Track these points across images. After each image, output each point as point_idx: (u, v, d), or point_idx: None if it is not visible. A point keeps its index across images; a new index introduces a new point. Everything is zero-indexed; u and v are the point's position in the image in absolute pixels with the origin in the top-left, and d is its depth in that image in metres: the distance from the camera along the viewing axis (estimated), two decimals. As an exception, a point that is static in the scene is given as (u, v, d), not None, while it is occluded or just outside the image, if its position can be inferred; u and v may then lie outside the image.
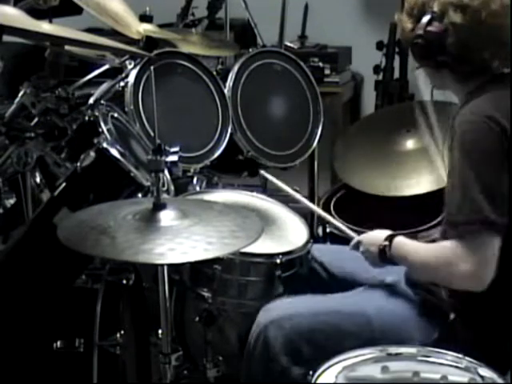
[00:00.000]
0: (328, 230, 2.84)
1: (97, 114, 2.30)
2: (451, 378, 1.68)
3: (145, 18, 2.67)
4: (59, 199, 2.17)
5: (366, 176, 2.98)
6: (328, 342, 2.08)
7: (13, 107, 2.30)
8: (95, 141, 2.18)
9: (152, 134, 2.60)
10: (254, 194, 2.74)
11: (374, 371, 1.71)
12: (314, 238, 2.55)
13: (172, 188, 2.42)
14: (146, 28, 2.62)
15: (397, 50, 3.93)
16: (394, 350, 1.78)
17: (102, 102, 2.43)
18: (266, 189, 3.66)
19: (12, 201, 2.40)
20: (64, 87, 2.36)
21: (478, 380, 1.68)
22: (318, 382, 1.68)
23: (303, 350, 2.09)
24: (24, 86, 2.30)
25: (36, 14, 2.14)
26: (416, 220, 2.71)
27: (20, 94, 2.30)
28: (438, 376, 1.69)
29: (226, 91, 2.94)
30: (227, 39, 3.72)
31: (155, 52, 2.73)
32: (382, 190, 2.88)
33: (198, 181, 2.88)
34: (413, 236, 2.63)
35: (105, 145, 2.17)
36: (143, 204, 1.90)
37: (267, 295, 2.31)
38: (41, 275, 2.15)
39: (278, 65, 3.13)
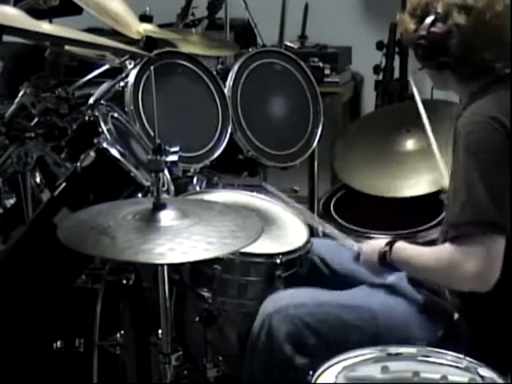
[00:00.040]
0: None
1: (97, 114, 2.30)
2: (451, 378, 1.68)
3: (145, 18, 2.67)
4: (59, 199, 2.17)
5: (366, 176, 2.99)
6: (332, 333, 2.09)
7: (13, 107, 2.30)
8: (95, 141, 2.18)
9: (152, 134, 2.60)
10: (254, 193, 2.74)
11: (374, 371, 1.71)
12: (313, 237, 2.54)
13: (172, 188, 2.42)
14: (146, 28, 2.62)
15: (397, 50, 3.93)
16: (394, 350, 1.78)
17: (102, 102, 2.42)
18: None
19: (12, 201, 2.40)
20: (64, 87, 2.36)
21: (478, 380, 1.68)
22: (317, 382, 1.68)
23: (307, 339, 2.10)
24: (24, 86, 2.30)
25: (36, 13, 2.14)
26: (416, 220, 2.71)
27: (20, 94, 2.30)
28: (437, 376, 1.69)
29: (226, 91, 2.94)
30: (227, 39, 3.72)
31: (155, 52, 2.73)
32: (382, 190, 2.88)
33: (197, 181, 2.88)
34: (412, 236, 2.64)
35: (105, 145, 2.17)
36: (143, 204, 1.90)
37: (267, 295, 2.31)
38: (41, 275, 2.15)
39: (278, 65, 3.13)
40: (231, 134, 2.89)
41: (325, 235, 2.52)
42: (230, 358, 2.38)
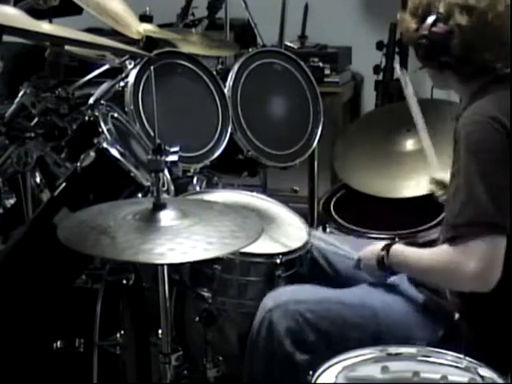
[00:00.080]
0: (328, 230, 2.84)
1: (97, 114, 2.30)
2: (451, 378, 1.68)
3: (145, 18, 2.67)
4: (59, 199, 2.17)
5: (366, 176, 2.99)
6: (332, 330, 2.09)
7: (13, 107, 2.30)
8: (95, 141, 2.18)
9: (152, 134, 2.60)
10: (254, 193, 2.74)
11: (374, 371, 1.71)
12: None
13: (172, 188, 2.42)
14: (146, 28, 2.62)
15: (397, 50, 3.93)
16: (394, 350, 1.78)
17: (102, 102, 2.42)
18: (266, 189, 3.67)
19: (12, 201, 2.40)
20: (64, 87, 2.36)
21: (478, 380, 1.68)
22: (318, 382, 1.68)
23: (307, 336, 2.10)
24: (24, 86, 2.30)
25: (36, 13, 2.14)
26: (416, 220, 2.71)
27: (20, 94, 2.30)
28: (437, 376, 1.69)
29: (226, 91, 2.94)
30: (227, 39, 3.73)
31: (155, 52, 2.73)
32: (382, 191, 2.88)
33: (197, 181, 2.88)
34: (412, 236, 2.64)
35: (105, 145, 2.17)
36: (143, 204, 1.90)
37: (267, 295, 2.31)
38: (41, 275, 2.15)
39: (278, 65, 3.13)
40: (231, 134, 2.89)
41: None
42: (229, 357, 2.38)
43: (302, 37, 4.11)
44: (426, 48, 2.05)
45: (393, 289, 2.18)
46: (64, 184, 2.18)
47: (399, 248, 2.13)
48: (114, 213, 1.89)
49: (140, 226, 1.83)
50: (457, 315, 2.07)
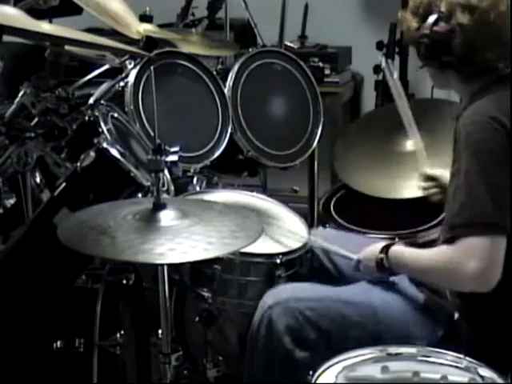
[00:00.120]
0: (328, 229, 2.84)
1: (97, 114, 2.30)
2: (451, 378, 1.68)
3: (145, 18, 2.67)
4: (59, 199, 2.17)
5: (366, 176, 2.98)
6: (332, 328, 2.09)
7: (13, 107, 2.30)
8: (95, 141, 2.18)
9: (152, 134, 2.60)
10: (254, 193, 2.74)
11: (373, 371, 1.71)
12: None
13: (172, 188, 2.42)
14: (146, 28, 2.62)
15: (397, 49, 3.93)
16: (394, 350, 1.78)
17: (102, 102, 2.43)
18: (266, 189, 3.67)
19: (12, 201, 2.40)
20: (64, 87, 2.36)
21: (478, 380, 1.68)
22: (318, 382, 1.68)
23: (307, 334, 2.10)
24: (24, 86, 2.30)
25: (36, 13, 2.14)
26: (416, 220, 2.70)
27: (20, 94, 2.30)
28: (437, 376, 1.69)
29: (226, 91, 2.94)
30: (227, 39, 3.73)
31: (155, 52, 2.73)
32: (382, 191, 2.87)
33: (198, 181, 2.88)
34: (412, 236, 2.64)
35: (105, 145, 2.17)
36: (143, 204, 1.90)
37: (267, 295, 2.31)
38: (41, 275, 2.15)
39: (278, 65, 3.13)
40: (231, 134, 2.89)
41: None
42: (229, 357, 2.38)
43: (302, 37, 4.10)
44: (428, 47, 2.04)
45: (392, 287, 2.17)
46: (64, 184, 2.18)
47: (398, 249, 2.13)
48: (114, 213, 1.89)
49: (140, 225, 1.83)
50: (456, 315, 2.07)
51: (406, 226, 2.67)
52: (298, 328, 2.10)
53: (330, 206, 2.99)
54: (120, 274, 2.26)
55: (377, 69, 3.95)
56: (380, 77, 3.96)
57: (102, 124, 2.25)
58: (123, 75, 2.65)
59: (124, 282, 2.26)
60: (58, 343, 2.15)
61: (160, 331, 2.05)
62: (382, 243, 2.18)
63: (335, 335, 2.08)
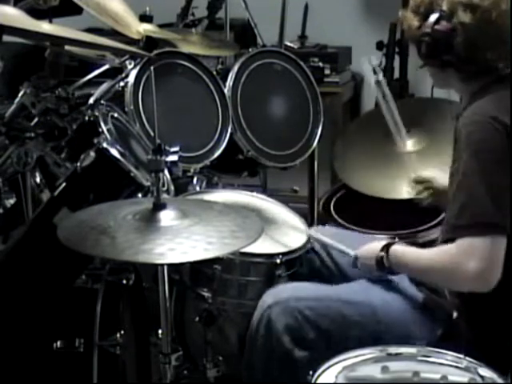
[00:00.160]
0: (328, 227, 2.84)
1: (97, 114, 2.30)
2: (451, 378, 1.68)
3: (145, 18, 2.67)
4: (59, 199, 2.17)
5: (366, 176, 2.98)
6: (332, 327, 2.09)
7: (13, 107, 2.30)
8: (95, 141, 2.18)
9: (152, 134, 2.60)
10: (254, 193, 2.74)
11: (374, 371, 1.71)
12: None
13: (172, 188, 2.42)
14: (146, 28, 2.62)
15: (397, 50, 3.93)
16: (394, 350, 1.78)
17: (102, 102, 2.43)
18: (266, 189, 3.67)
19: (12, 201, 2.40)
20: (64, 87, 2.36)
21: (478, 380, 1.68)
22: (318, 382, 1.68)
23: (306, 332, 2.10)
24: (24, 86, 2.30)
25: (36, 13, 2.14)
26: (416, 220, 2.70)
27: (20, 94, 2.30)
28: (437, 376, 1.69)
29: (226, 91, 2.94)
30: (227, 39, 3.73)
31: (155, 52, 2.73)
32: (382, 191, 2.87)
33: (198, 181, 2.88)
34: (412, 236, 2.64)
35: (105, 145, 2.17)
36: (143, 204, 1.90)
37: (267, 295, 2.31)
38: (41, 275, 2.15)
39: (278, 65, 3.13)
40: (231, 134, 2.89)
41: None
42: (229, 357, 2.38)
43: (302, 37, 4.10)
44: (429, 46, 2.04)
45: (392, 286, 2.17)
46: (64, 184, 2.18)
47: (399, 248, 2.13)
48: (114, 213, 1.89)
49: (140, 225, 1.83)
50: (455, 314, 2.07)
51: (405, 226, 2.67)
52: (297, 327, 2.10)
53: (329, 205, 2.99)
54: (120, 274, 2.26)
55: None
56: (380, 77, 3.97)
57: (102, 124, 2.25)
58: (123, 75, 2.65)
59: (124, 281, 2.26)
60: (58, 343, 2.15)
61: (160, 331, 2.05)
62: (383, 242, 2.18)
63: (335, 335, 2.08)
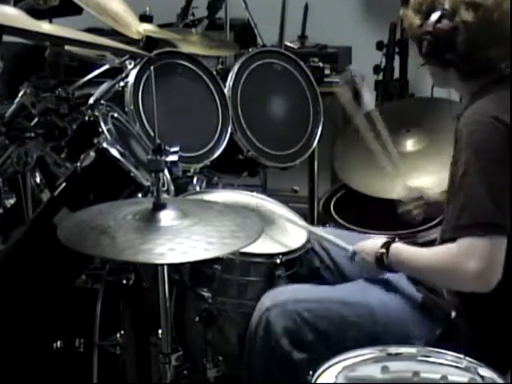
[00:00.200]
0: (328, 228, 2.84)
1: (97, 114, 2.30)
2: (451, 378, 1.68)
3: (145, 18, 2.67)
4: (59, 199, 2.17)
5: (366, 176, 2.98)
6: (330, 329, 2.09)
7: (13, 107, 2.30)
8: (95, 141, 2.18)
9: (152, 134, 2.60)
10: (254, 193, 2.74)
11: (374, 371, 1.71)
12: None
13: (172, 188, 2.42)
14: (146, 28, 2.62)
15: (397, 50, 3.93)
16: (394, 350, 1.78)
17: (102, 102, 2.43)
18: (266, 189, 3.67)
19: (12, 201, 2.40)
20: (64, 87, 2.37)
21: (478, 380, 1.68)
22: (318, 382, 1.68)
23: (305, 334, 2.10)
24: (24, 86, 2.30)
25: (36, 13, 2.14)
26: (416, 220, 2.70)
27: (20, 94, 2.30)
28: (437, 376, 1.69)
29: (226, 91, 2.94)
30: (227, 39, 3.73)
31: (155, 52, 2.73)
32: (382, 191, 2.87)
33: (198, 181, 2.88)
34: (412, 236, 2.64)
35: (105, 145, 2.17)
36: (143, 204, 1.90)
37: (267, 295, 2.31)
38: (41, 275, 2.15)
39: (278, 65, 3.13)
40: (231, 134, 2.89)
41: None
42: (229, 357, 2.37)
43: (302, 37, 4.10)
44: (430, 44, 2.04)
45: (391, 287, 2.17)
46: (64, 184, 2.18)
47: (399, 247, 2.13)
48: (114, 213, 1.89)
49: (140, 225, 1.82)
50: (454, 314, 2.07)
51: (406, 225, 2.67)
52: (295, 330, 2.10)
53: (329, 205, 2.99)
54: (120, 274, 2.26)
55: (377, 69, 3.96)
56: (380, 77, 3.97)
57: (102, 124, 2.25)
58: (123, 75, 2.65)
59: (124, 281, 2.26)
60: (58, 343, 2.15)
61: (160, 331, 2.05)
62: (383, 239, 2.17)
63: (333, 336, 2.08)
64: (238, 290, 2.35)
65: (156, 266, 2.00)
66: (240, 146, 2.92)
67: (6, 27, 1.89)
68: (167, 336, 2.03)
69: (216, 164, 2.86)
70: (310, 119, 3.12)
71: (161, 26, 2.82)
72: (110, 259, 2.16)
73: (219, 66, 3.35)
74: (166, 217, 1.84)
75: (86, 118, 2.32)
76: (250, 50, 3.13)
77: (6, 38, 1.93)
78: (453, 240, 1.94)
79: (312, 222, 3.43)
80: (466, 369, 1.71)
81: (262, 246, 2.26)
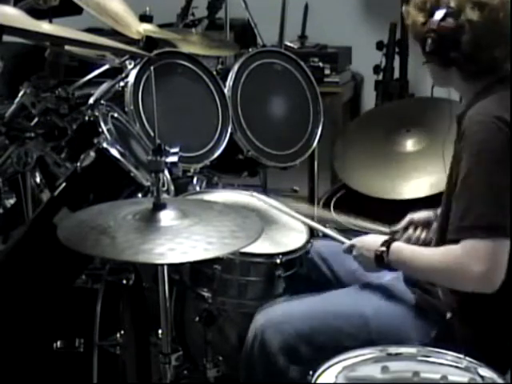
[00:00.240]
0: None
1: (97, 114, 2.30)
2: (451, 378, 1.68)
3: (145, 18, 2.67)
4: (59, 199, 2.17)
5: (366, 176, 2.99)
6: (326, 342, 2.08)
7: (13, 107, 2.30)
8: (95, 141, 2.18)
9: (152, 134, 2.61)
10: (254, 194, 2.74)
11: (374, 371, 1.71)
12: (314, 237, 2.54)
13: (172, 188, 2.42)
14: (146, 28, 2.62)
15: (397, 50, 3.93)
16: (394, 350, 1.78)
17: (102, 102, 2.43)
18: (266, 189, 3.67)
19: (12, 201, 2.40)
20: (64, 87, 2.36)
21: (478, 380, 1.68)
22: (317, 382, 1.68)
23: (301, 350, 2.10)
24: (24, 86, 2.30)
25: (36, 13, 2.14)
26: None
27: (20, 94, 2.30)
28: (437, 376, 1.69)
29: (226, 91, 2.94)
30: (227, 39, 3.72)
31: (155, 52, 2.73)
32: (382, 191, 2.88)
33: (198, 181, 2.88)
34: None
35: (105, 145, 2.17)
36: (143, 204, 1.90)
37: (267, 295, 2.31)
38: (41, 275, 2.15)
39: (278, 65, 3.13)
40: (231, 133, 2.89)
41: (324, 236, 2.51)
42: (229, 358, 2.38)
43: (302, 37, 4.10)
44: (434, 42, 2.02)
45: (385, 291, 2.16)
46: (64, 184, 2.18)
47: (400, 245, 2.12)
48: (114, 213, 1.89)
49: (140, 225, 1.83)
50: (449, 314, 2.06)
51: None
52: (291, 346, 2.09)
53: (330, 205, 2.99)
54: (120, 274, 2.26)
55: (377, 69, 3.96)
56: (380, 77, 3.97)
57: (102, 124, 2.25)
58: (123, 75, 2.65)
59: (124, 281, 2.26)
60: (58, 343, 2.15)
61: (160, 331, 2.05)
62: (383, 236, 2.17)
63: (329, 347, 2.04)
64: (237, 290, 2.35)
65: (156, 266, 2.00)
66: (240, 146, 2.92)
67: (6, 27, 1.89)
68: (167, 336, 2.03)
69: (216, 164, 2.86)
70: (310, 119, 3.12)
71: (161, 26, 2.82)
72: (110, 259, 2.16)
73: (219, 66, 3.35)
74: (166, 217, 1.84)
75: (86, 118, 2.32)
76: (250, 49, 3.13)
77: (6, 38, 1.93)
78: (456, 241, 1.94)
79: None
80: (466, 369, 1.71)
81: (262, 246, 2.26)
